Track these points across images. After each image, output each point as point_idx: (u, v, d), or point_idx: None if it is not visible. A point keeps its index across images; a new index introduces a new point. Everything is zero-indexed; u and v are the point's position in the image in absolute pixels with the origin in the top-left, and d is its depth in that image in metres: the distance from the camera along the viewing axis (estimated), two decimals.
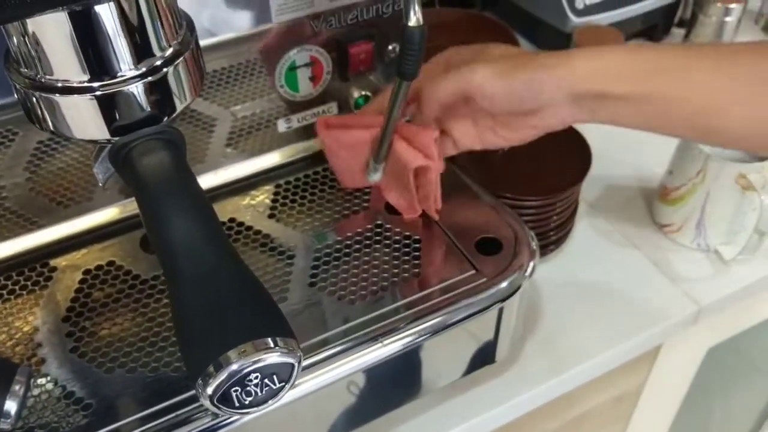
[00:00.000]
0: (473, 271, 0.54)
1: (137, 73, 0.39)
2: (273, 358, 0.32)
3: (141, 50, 0.39)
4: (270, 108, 0.59)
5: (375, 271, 0.54)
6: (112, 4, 0.37)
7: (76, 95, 0.39)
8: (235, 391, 0.31)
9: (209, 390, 0.31)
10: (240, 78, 0.58)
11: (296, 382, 0.33)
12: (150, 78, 0.40)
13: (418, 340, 0.51)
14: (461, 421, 0.60)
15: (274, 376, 0.32)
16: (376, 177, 0.57)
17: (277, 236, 0.57)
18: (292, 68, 0.57)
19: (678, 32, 0.98)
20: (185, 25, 0.41)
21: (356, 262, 0.55)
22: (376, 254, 0.55)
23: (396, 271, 0.54)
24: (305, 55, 0.57)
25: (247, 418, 0.44)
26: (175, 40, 0.40)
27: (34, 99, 0.39)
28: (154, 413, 0.45)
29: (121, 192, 0.57)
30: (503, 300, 0.53)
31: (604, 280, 0.70)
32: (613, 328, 0.66)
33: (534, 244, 0.56)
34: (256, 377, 0.31)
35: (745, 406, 1.22)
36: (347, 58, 0.58)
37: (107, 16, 0.37)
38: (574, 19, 0.85)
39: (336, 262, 0.55)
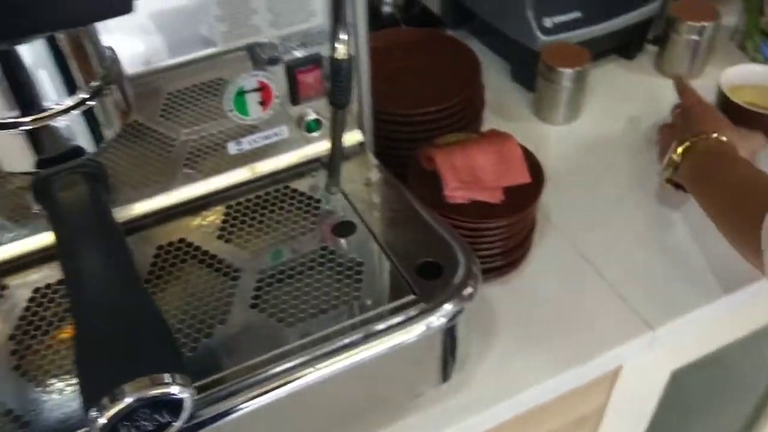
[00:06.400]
0: (412, 296, 0.54)
1: (63, 107, 0.41)
2: (168, 393, 0.33)
3: (66, 85, 0.40)
4: (221, 130, 0.61)
5: (316, 293, 0.55)
6: (35, 43, 0.38)
7: (2, 131, 0.40)
8: (124, 426, 0.32)
9: (101, 421, 0.32)
10: (192, 100, 0.59)
11: (193, 416, 0.34)
12: (76, 111, 0.41)
13: (353, 366, 0.51)
14: None
15: (165, 412, 0.33)
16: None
17: (224, 257, 0.58)
18: (241, 93, 0.58)
19: (652, 49, 0.98)
20: (109, 58, 0.43)
21: (299, 285, 0.56)
22: (319, 277, 0.56)
23: (337, 294, 0.55)
24: (253, 80, 0.58)
25: None
26: (99, 73, 0.42)
27: None
28: None
29: None
30: (443, 324, 0.54)
31: (561, 302, 0.70)
32: (567, 351, 0.66)
33: (475, 268, 0.56)
34: (147, 412, 0.33)
35: (728, 424, 1.21)
36: (296, 83, 0.59)
37: (31, 54, 0.38)
38: (542, 38, 0.85)
39: (279, 284, 0.56)
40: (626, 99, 0.94)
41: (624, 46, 0.96)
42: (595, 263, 0.74)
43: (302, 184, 0.64)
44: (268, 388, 0.49)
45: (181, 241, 0.59)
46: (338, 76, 0.47)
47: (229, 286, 0.56)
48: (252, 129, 0.62)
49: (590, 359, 0.66)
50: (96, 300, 0.34)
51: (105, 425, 0.32)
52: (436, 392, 0.62)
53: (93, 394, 0.32)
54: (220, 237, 0.60)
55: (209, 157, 0.62)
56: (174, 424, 0.33)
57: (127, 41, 0.51)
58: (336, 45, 0.46)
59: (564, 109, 0.88)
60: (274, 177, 0.64)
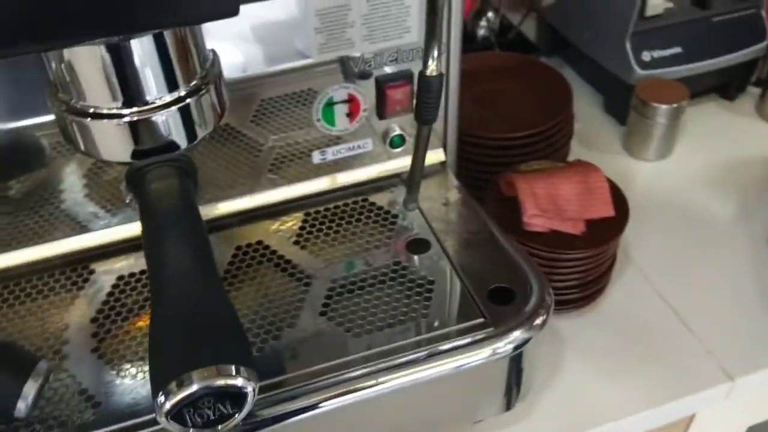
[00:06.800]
0: (481, 320, 0.54)
1: (163, 102, 0.42)
2: (232, 384, 0.34)
3: (168, 82, 0.42)
4: (308, 139, 0.62)
5: (385, 307, 0.55)
6: (143, 39, 0.40)
7: (105, 120, 0.42)
8: (188, 411, 0.33)
9: (167, 405, 0.33)
10: (282, 108, 0.61)
11: (251, 412, 0.34)
12: (174, 107, 0.43)
13: (415, 384, 0.51)
14: None
15: (228, 403, 0.34)
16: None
17: (298, 263, 0.59)
18: (330, 104, 0.60)
19: (755, 91, 0.94)
20: (210, 60, 0.44)
21: (369, 297, 0.56)
22: (390, 291, 0.56)
23: (405, 310, 0.55)
24: (343, 92, 0.59)
25: None
26: (199, 73, 0.44)
27: (68, 122, 0.43)
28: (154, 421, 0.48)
29: None
30: (509, 351, 0.53)
31: (635, 342, 0.68)
32: (638, 392, 0.64)
33: (548, 298, 0.55)
34: (211, 400, 0.33)
35: None
36: (384, 98, 0.60)
37: (138, 49, 0.40)
38: (639, 72, 0.84)
39: (349, 294, 0.56)
40: (722, 140, 0.90)
41: (725, 85, 0.93)
42: (674, 305, 0.71)
43: (381, 198, 0.65)
44: (328, 395, 0.49)
45: (259, 243, 0.61)
46: (427, 93, 0.47)
47: (300, 292, 0.57)
48: (337, 140, 0.63)
49: (662, 404, 0.63)
50: (174, 290, 0.36)
51: (170, 409, 0.33)
52: (496, 420, 0.61)
53: (161, 380, 0.34)
54: (296, 243, 0.61)
55: (293, 164, 0.63)
56: (236, 415, 0.34)
57: (229, 49, 0.54)
58: (428, 61, 0.46)
59: (655, 146, 0.85)
60: (354, 189, 0.65)
